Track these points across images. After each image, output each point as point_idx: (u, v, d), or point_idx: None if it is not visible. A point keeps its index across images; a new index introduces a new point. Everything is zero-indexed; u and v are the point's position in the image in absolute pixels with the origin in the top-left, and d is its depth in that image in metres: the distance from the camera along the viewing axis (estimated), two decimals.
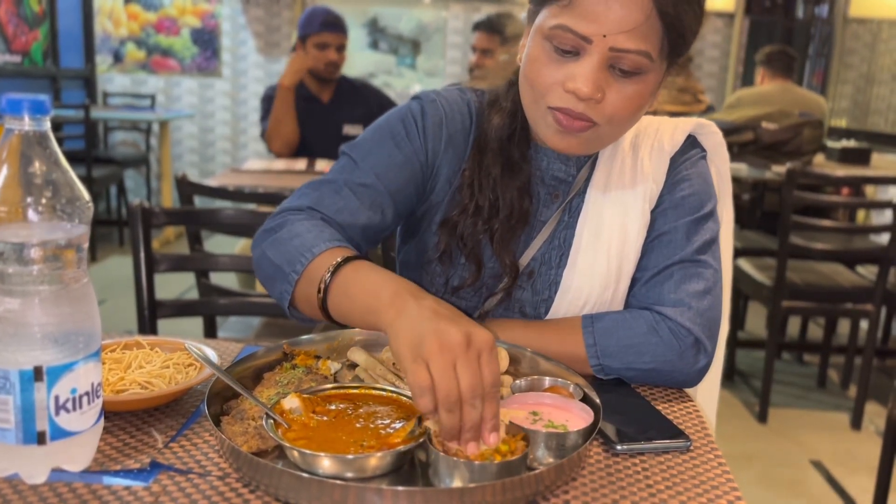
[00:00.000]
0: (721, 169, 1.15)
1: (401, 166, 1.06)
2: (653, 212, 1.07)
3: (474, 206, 1.07)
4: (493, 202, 1.06)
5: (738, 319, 3.37)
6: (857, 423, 2.91)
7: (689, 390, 1.01)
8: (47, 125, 0.68)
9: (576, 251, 1.07)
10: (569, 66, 0.94)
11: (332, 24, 3.08)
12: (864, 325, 3.10)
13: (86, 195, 0.70)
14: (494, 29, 3.31)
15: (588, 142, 0.99)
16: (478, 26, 3.41)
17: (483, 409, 0.70)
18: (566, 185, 1.10)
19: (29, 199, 0.66)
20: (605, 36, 0.90)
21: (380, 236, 1.08)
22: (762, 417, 2.94)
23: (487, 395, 0.70)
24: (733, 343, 3.35)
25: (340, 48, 3.12)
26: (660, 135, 1.10)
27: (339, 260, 0.89)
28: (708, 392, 1.13)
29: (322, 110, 3.19)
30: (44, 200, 0.67)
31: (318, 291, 0.90)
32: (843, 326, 3.73)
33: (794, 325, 3.89)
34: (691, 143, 1.11)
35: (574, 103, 0.94)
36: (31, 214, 0.66)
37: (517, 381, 0.88)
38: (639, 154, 1.09)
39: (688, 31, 0.95)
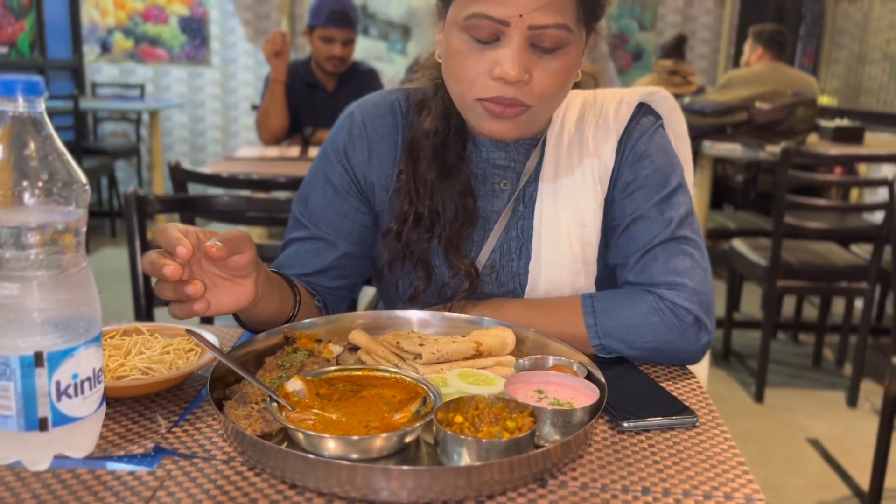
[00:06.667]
0: (678, 132, 1.13)
1: (333, 198, 1.09)
2: (619, 196, 1.05)
3: (414, 214, 1.06)
4: (434, 208, 1.05)
5: (733, 300, 3.37)
6: (853, 401, 2.93)
7: None
8: (42, 107, 0.67)
9: (538, 243, 1.05)
10: (491, 53, 0.93)
11: (339, 20, 2.94)
12: (858, 303, 3.12)
13: (83, 178, 0.68)
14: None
15: (522, 125, 0.98)
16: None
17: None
18: (512, 171, 1.08)
19: (25, 183, 0.65)
20: (521, 16, 0.89)
21: (355, 265, 1.12)
22: (758, 397, 2.96)
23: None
24: (729, 324, 3.36)
25: (347, 42, 3.00)
26: (605, 110, 1.07)
27: None
28: (697, 370, 1.12)
29: (325, 98, 3.13)
30: (40, 184, 0.65)
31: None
32: (838, 305, 3.75)
33: (789, 305, 3.90)
34: (644, 112, 1.08)
35: (503, 89, 0.93)
36: (28, 198, 0.65)
37: (521, 361, 0.87)
38: (584, 133, 1.07)
39: None
